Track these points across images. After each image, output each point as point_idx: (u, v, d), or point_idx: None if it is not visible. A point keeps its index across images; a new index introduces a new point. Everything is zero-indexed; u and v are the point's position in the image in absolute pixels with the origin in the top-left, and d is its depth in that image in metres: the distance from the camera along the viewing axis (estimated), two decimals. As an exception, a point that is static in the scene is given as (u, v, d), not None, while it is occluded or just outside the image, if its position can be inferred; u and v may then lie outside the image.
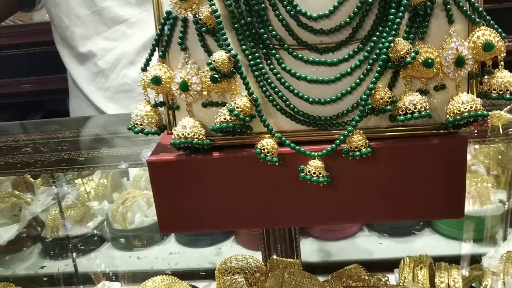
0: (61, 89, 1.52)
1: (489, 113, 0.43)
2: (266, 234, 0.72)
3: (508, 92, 0.41)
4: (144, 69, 0.43)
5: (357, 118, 0.40)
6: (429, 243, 0.86)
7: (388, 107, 0.39)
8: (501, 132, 0.59)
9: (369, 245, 0.87)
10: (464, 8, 0.39)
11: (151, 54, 0.43)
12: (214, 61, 0.40)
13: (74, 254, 0.92)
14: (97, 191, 1.07)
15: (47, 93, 1.59)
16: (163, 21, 0.42)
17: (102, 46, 0.97)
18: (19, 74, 1.59)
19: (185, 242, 0.94)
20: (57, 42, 1.05)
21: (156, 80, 0.42)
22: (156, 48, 0.43)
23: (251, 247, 0.89)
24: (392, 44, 0.38)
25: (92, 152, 0.66)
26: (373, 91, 0.39)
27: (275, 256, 0.69)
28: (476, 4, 0.39)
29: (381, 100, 0.39)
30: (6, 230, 0.94)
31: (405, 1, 0.38)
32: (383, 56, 0.39)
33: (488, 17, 0.40)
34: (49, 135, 0.74)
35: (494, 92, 0.41)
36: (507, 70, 0.41)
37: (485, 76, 0.41)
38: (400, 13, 0.38)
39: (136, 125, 0.44)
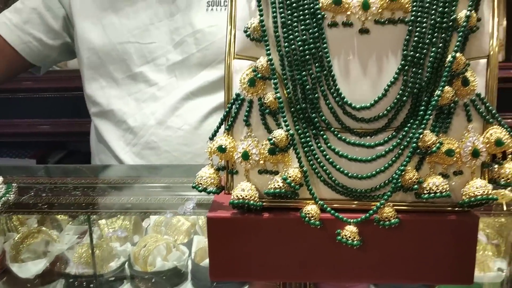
0: (80, 132, 1.61)
1: (495, 191, 0.52)
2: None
3: (514, 180, 0.49)
4: (211, 138, 0.51)
5: (389, 193, 0.48)
6: (431, 306, 0.92)
7: (415, 186, 0.48)
8: (504, 208, 0.67)
9: (375, 303, 0.93)
10: (481, 110, 0.49)
11: (218, 127, 0.51)
12: (274, 137, 0.48)
13: (97, 291, 0.97)
14: (108, 232, 1.14)
15: (66, 135, 1.68)
16: (232, 101, 0.51)
17: (133, 106, 1.06)
18: (39, 115, 1.66)
19: (201, 289, 0.99)
20: (88, 99, 1.14)
21: (222, 149, 0.50)
22: (224, 122, 0.51)
23: (263, 298, 0.95)
24: (421, 136, 0.47)
25: (137, 199, 0.74)
26: (403, 172, 0.48)
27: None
28: (490, 107, 0.49)
29: (410, 180, 0.48)
30: (34, 264, 1.00)
31: (433, 102, 0.47)
32: (414, 144, 0.47)
33: (500, 118, 0.49)
34: (93, 180, 0.81)
35: (502, 179, 0.49)
36: (514, 162, 0.50)
37: (496, 166, 0.50)
38: (429, 111, 0.47)
39: (200, 185, 0.52)
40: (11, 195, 0.76)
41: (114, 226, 1.14)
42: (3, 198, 0.75)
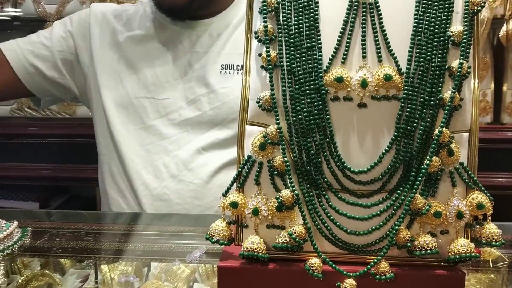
0: (82, 178, 1.66)
1: (482, 249, 0.58)
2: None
3: (494, 240, 0.55)
4: (224, 195, 0.57)
5: (385, 250, 0.54)
6: None
7: (408, 244, 0.54)
8: (491, 266, 0.73)
9: None
10: (464, 177, 0.55)
11: (231, 184, 0.57)
12: (281, 196, 0.54)
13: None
14: (120, 277, 1.17)
15: (69, 180, 1.72)
16: (244, 162, 0.57)
17: (145, 158, 1.11)
18: (43, 160, 1.71)
19: (200, 334, 1.02)
20: (101, 146, 1.19)
21: (234, 205, 0.56)
22: (236, 181, 0.57)
23: None
24: (413, 199, 0.53)
25: (146, 246, 0.78)
26: (397, 231, 0.54)
27: None
28: (472, 175, 0.55)
29: (403, 239, 0.54)
30: (38, 307, 1.03)
31: (423, 170, 0.53)
32: (406, 207, 0.53)
33: (480, 184, 0.55)
34: (103, 227, 0.86)
35: (483, 239, 0.55)
36: (493, 223, 0.56)
37: (477, 226, 0.56)
38: (420, 177, 0.54)
39: (212, 236, 0.57)
40: (27, 239, 0.80)
41: (116, 272, 1.18)
42: (19, 242, 0.80)
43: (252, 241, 0.55)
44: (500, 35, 1.51)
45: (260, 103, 0.56)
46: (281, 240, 0.55)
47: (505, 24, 1.50)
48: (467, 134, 0.56)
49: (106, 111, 1.14)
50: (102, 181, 1.20)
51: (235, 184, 0.58)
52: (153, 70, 1.12)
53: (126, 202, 1.13)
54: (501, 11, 1.51)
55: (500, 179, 1.50)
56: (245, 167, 0.57)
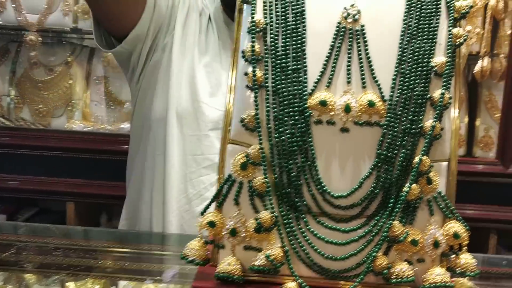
0: (53, 191, 1.62)
1: (454, 279, 0.58)
2: None
3: (468, 270, 0.55)
4: (202, 214, 0.56)
5: (362, 276, 0.53)
6: None
7: (385, 271, 0.54)
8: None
9: None
10: (441, 206, 0.56)
11: (209, 204, 0.57)
12: (260, 218, 0.54)
13: None
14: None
15: (38, 192, 1.67)
16: (224, 181, 0.56)
17: (193, 168, 1.03)
18: (12, 171, 1.65)
19: None
20: (151, 134, 1.08)
21: (212, 224, 0.55)
22: (215, 200, 0.56)
23: None
24: (391, 226, 0.53)
25: (117, 264, 0.76)
26: (374, 258, 0.53)
27: None
28: (449, 204, 0.56)
29: (380, 266, 0.54)
30: (-2, 323, 0.99)
31: (402, 197, 0.54)
32: (384, 233, 0.53)
33: (457, 214, 0.56)
34: (74, 242, 0.84)
35: (458, 269, 0.56)
36: (469, 253, 0.56)
37: (453, 256, 0.56)
38: (399, 205, 0.54)
39: (188, 256, 0.56)
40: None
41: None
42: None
43: (228, 263, 0.55)
44: (474, 71, 1.55)
45: (243, 123, 0.56)
46: (258, 262, 0.54)
47: (480, 61, 1.54)
48: (446, 163, 0.56)
49: (169, 103, 1.04)
50: (141, 180, 1.08)
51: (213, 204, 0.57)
52: (220, 77, 1.06)
53: (160, 212, 1.04)
54: (477, 48, 1.56)
55: (469, 211, 1.53)
56: (225, 186, 0.56)
